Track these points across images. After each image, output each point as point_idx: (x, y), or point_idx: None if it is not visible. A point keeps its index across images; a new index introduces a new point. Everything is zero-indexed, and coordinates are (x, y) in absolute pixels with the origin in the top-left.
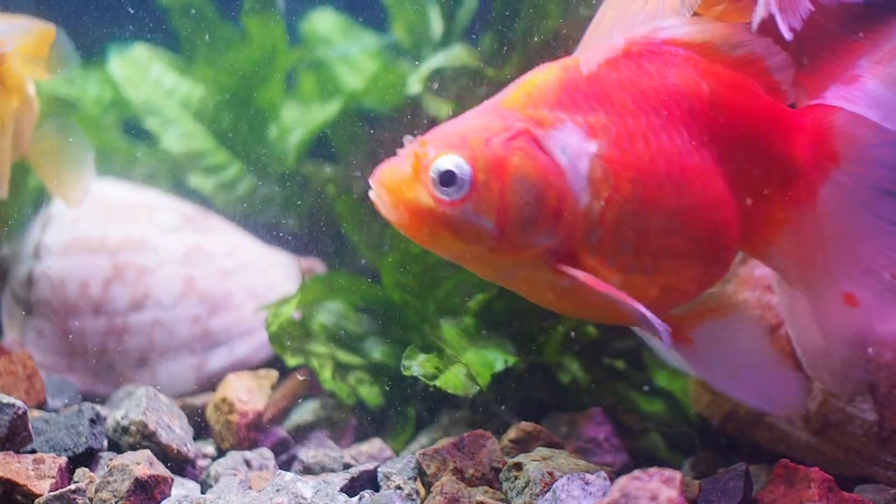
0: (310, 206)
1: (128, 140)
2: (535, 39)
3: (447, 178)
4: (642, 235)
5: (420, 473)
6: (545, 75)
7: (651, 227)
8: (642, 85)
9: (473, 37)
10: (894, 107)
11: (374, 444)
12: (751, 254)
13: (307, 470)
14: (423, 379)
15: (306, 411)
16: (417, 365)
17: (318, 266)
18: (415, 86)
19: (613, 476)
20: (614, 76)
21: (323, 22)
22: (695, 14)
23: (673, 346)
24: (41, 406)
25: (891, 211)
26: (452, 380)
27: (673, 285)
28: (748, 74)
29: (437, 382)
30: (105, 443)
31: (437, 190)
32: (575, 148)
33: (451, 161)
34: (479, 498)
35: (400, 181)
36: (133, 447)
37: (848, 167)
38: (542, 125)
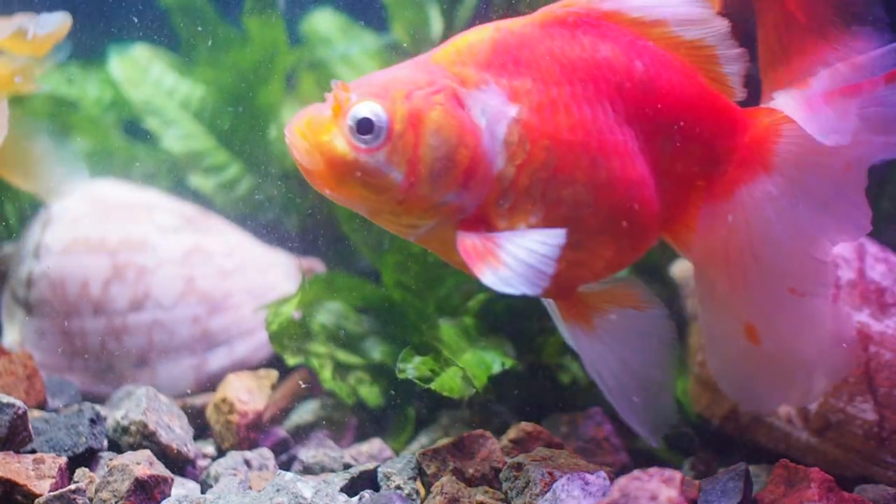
0: (310, 206)
1: (128, 140)
2: None
3: (364, 126)
4: (553, 205)
5: (420, 473)
6: (478, 35)
7: (563, 198)
8: (573, 55)
9: None
10: (833, 124)
11: (374, 444)
12: (673, 242)
13: (307, 470)
14: (418, 382)
15: (306, 411)
16: (413, 367)
17: (318, 266)
18: None
19: (613, 476)
20: (546, 44)
21: (323, 22)
22: None
23: (568, 323)
24: (41, 406)
25: (798, 231)
26: (448, 382)
27: (581, 261)
28: (694, 60)
29: (433, 385)
30: (105, 443)
31: (354, 136)
32: (495, 110)
33: (370, 108)
34: (479, 498)
35: (318, 125)
36: (133, 447)
37: (777, 179)
38: (466, 84)
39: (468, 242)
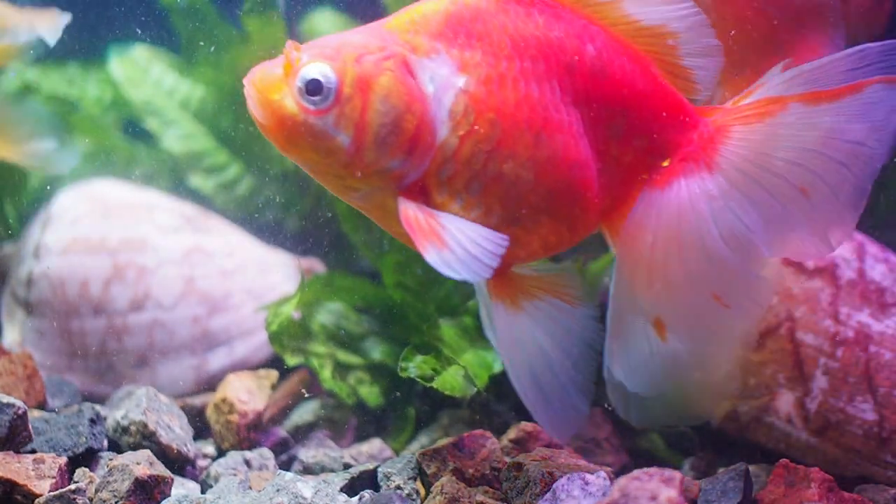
0: (310, 207)
1: (128, 140)
2: None
3: (313, 87)
4: (493, 179)
5: (420, 473)
6: (434, 5)
7: (502, 173)
8: (525, 33)
9: None
10: (769, 132)
11: (374, 444)
12: (608, 234)
13: (307, 470)
14: (420, 380)
15: (306, 411)
16: (415, 366)
17: (318, 266)
18: None
19: (613, 476)
20: (500, 19)
21: (323, 22)
22: None
23: (494, 301)
24: (41, 406)
25: (732, 238)
26: (450, 381)
27: (516, 237)
28: (653, 49)
29: (435, 384)
30: (105, 443)
31: (302, 97)
32: (443, 80)
33: (320, 70)
34: (479, 498)
35: (269, 82)
36: (133, 447)
37: (719, 179)
38: (416, 51)
39: (411, 214)
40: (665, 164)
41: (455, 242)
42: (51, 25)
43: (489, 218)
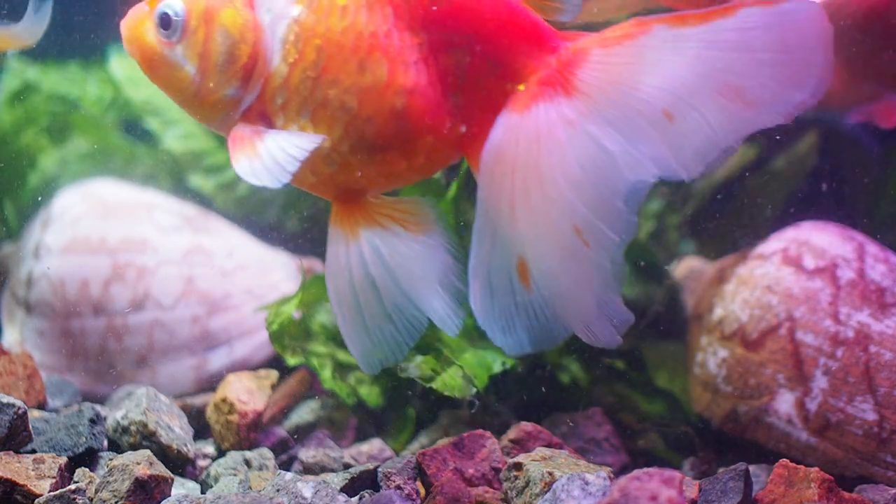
0: (310, 207)
1: (128, 140)
2: None
3: (164, 20)
4: (320, 105)
5: (420, 473)
6: None
7: (328, 99)
8: None
9: None
10: (630, 54)
11: (374, 444)
12: (471, 163)
13: (307, 470)
14: (420, 381)
15: (306, 411)
16: (414, 366)
17: (318, 266)
18: None
19: (613, 476)
20: None
21: None
22: None
23: (332, 226)
24: (41, 406)
25: (592, 164)
26: (450, 382)
27: (350, 164)
28: None
29: (434, 384)
30: (105, 443)
31: (158, 30)
32: (279, 10)
33: (171, 5)
34: (479, 498)
35: (136, 19)
36: (133, 447)
37: (577, 104)
38: None
39: (238, 133)
40: (521, 88)
41: (266, 151)
42: (30, 27)
43: (336, 140)
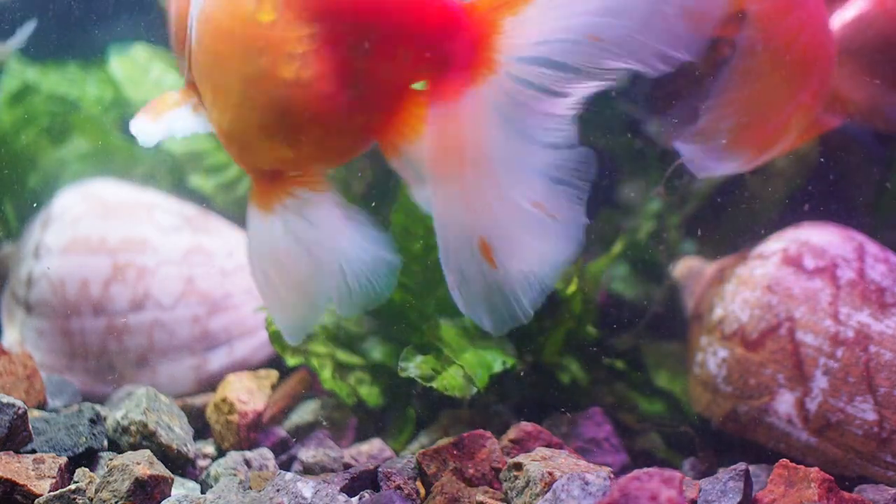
0: None
1: (128, 140)
2: None
3: None
4: (213, 89)
5: (420, 473)
6: None
7: (219, 84)
8: None
9: None
10: (542, 11)
11: (374, 444)
12: (385, 150)
13: (307, 470)
14: (420, 380)
15: (306, 411)
16: (415, 366)
17: None
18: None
19: (613, 476)
20: None
21: None
22: None
23: (250, 204)
24: (41, 406)
25: (534, 136)
26: (450, 381)
27: (245, 146)
28: None
29: (435, 384)
30: (105, 443)
31: None
32: None
33: None
34: (479, 498)
35: None
36: (133, 447)
37: (503, 78)
38: None
39: (164, 96)
40: (444, 71)
41: (166, 119)
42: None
43: (228, 123)
